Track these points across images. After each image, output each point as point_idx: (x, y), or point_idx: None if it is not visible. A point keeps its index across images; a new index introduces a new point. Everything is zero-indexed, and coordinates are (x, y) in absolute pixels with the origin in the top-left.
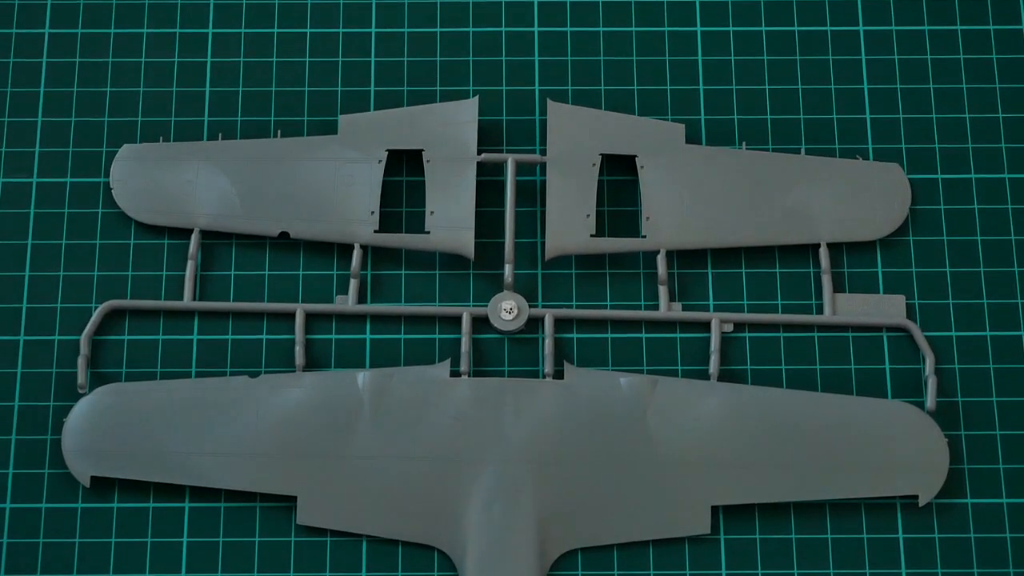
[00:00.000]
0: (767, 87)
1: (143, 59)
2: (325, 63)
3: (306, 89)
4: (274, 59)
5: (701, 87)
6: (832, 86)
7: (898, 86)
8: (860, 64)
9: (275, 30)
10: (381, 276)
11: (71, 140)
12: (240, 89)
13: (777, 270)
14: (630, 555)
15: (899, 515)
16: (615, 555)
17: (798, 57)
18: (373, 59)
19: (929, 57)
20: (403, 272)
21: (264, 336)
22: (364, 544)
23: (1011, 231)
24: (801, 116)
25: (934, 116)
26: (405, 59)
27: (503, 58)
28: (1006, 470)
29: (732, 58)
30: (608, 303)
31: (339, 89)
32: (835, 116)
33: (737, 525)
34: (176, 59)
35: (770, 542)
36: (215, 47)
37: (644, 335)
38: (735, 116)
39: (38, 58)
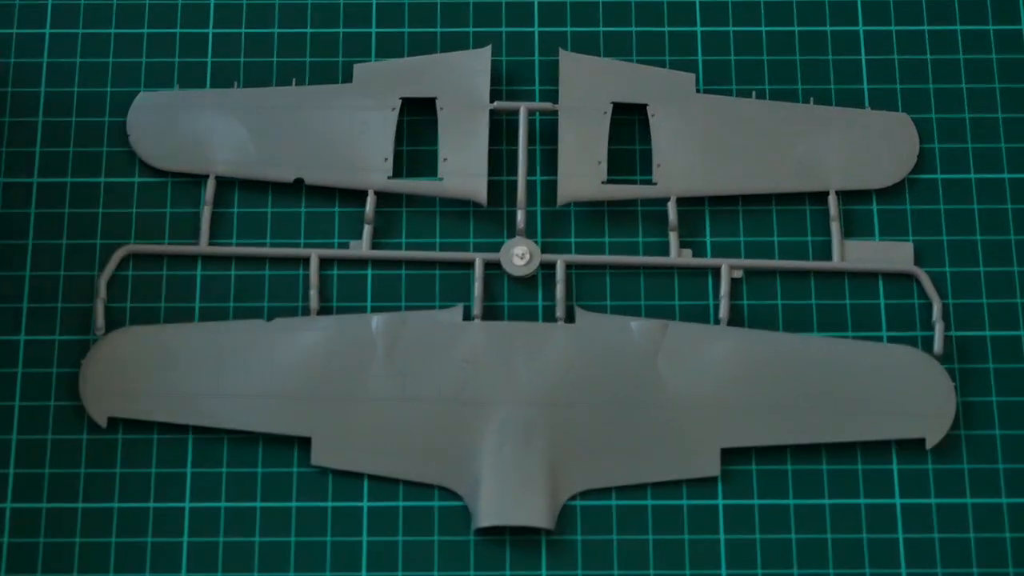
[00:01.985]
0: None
1: (143, 59)
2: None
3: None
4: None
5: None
6: (832, 86)
7: (898, 86)
8: (860, 64)
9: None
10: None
11: (71, 140)
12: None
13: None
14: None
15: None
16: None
17: (797, 48)
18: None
19: (929, 57)
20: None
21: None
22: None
23: (1011, 231)
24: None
25: (934, 116)
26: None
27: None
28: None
29: None
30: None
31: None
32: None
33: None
34: (176, 59)
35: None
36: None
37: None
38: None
39: (38, 58)
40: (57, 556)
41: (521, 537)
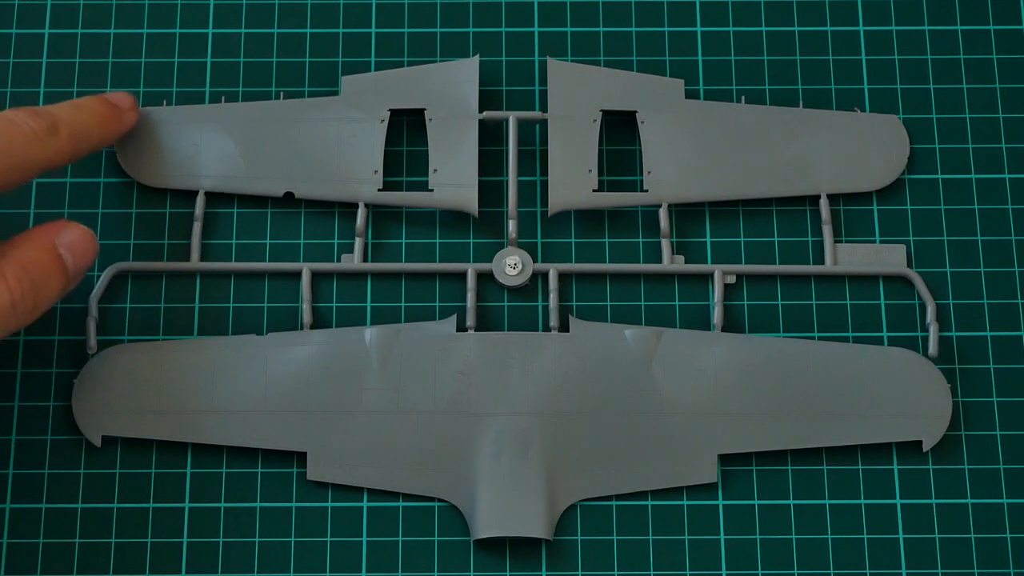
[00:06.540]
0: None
1: (143, 59)
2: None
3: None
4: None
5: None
6: (832, 86)
7: (898, 86)
8: (860, 64)
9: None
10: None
11: None
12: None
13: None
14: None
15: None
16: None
17: (797, 48)
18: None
19: (929, 57)
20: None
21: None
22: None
23: (1011, 231)
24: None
25: (934, 116)
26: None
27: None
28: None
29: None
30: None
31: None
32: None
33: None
34: (176, 59)
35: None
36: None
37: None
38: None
39: (38, 58)
40: (57, 556)
41: (521, 538)
